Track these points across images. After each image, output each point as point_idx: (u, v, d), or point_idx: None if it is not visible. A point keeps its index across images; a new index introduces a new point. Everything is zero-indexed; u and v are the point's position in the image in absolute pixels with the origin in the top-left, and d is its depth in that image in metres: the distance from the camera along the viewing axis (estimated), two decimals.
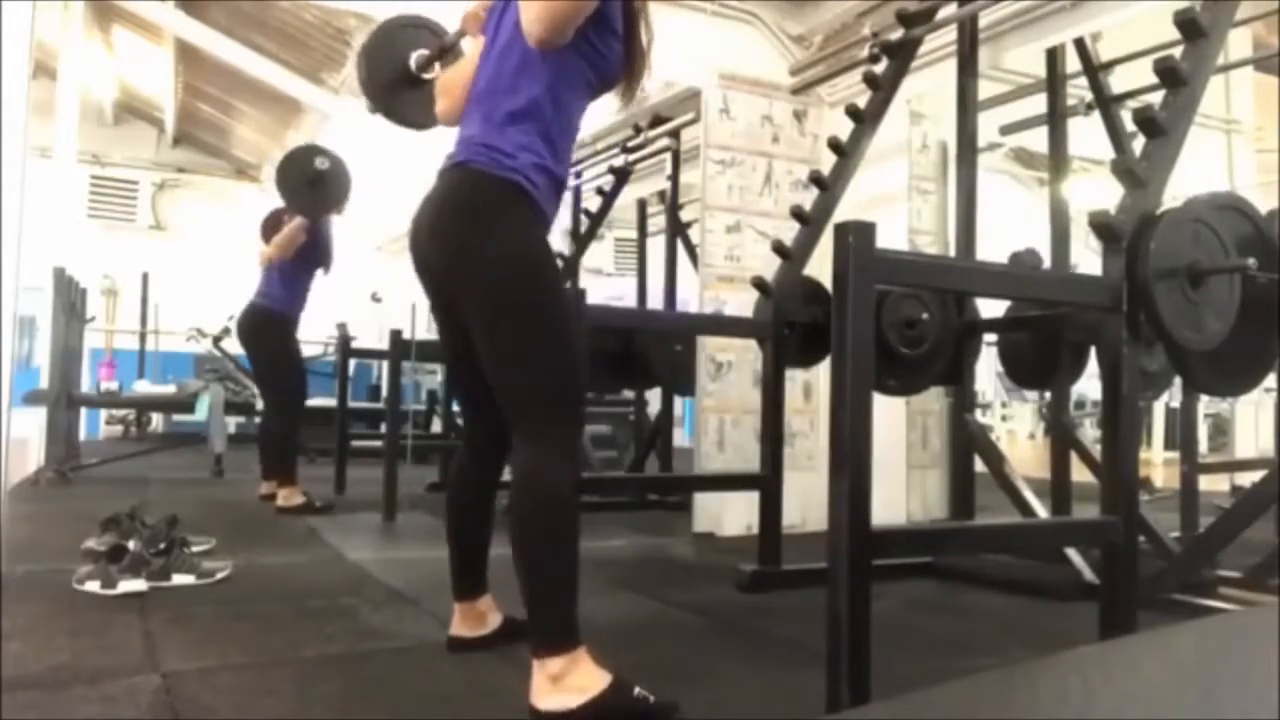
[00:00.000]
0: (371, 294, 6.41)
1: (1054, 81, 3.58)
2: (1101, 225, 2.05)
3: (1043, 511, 2.99)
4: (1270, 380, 2.95)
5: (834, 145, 3.29)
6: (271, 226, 4.61)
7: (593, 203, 5.67)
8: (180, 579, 2.64)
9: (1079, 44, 3.54)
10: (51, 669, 1.88)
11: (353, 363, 5.43)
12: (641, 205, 5.99)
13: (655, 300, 5.53)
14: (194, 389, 6.04)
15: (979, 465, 3.18)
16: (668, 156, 5.17)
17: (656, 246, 5.60)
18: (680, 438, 6.84)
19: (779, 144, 4.26)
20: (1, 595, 2.32)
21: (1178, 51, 2.25)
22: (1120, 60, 3.62)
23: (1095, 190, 4.33)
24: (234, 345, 5.49)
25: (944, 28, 3.42)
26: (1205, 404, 6.02)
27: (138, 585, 2.52)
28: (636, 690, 1.67)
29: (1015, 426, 11.93)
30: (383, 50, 2.35)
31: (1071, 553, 2.87)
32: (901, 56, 3.36)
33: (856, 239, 1.65)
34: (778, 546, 2.94)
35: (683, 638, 2.35)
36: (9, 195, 3.59)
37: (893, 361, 2.98)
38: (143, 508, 3.06)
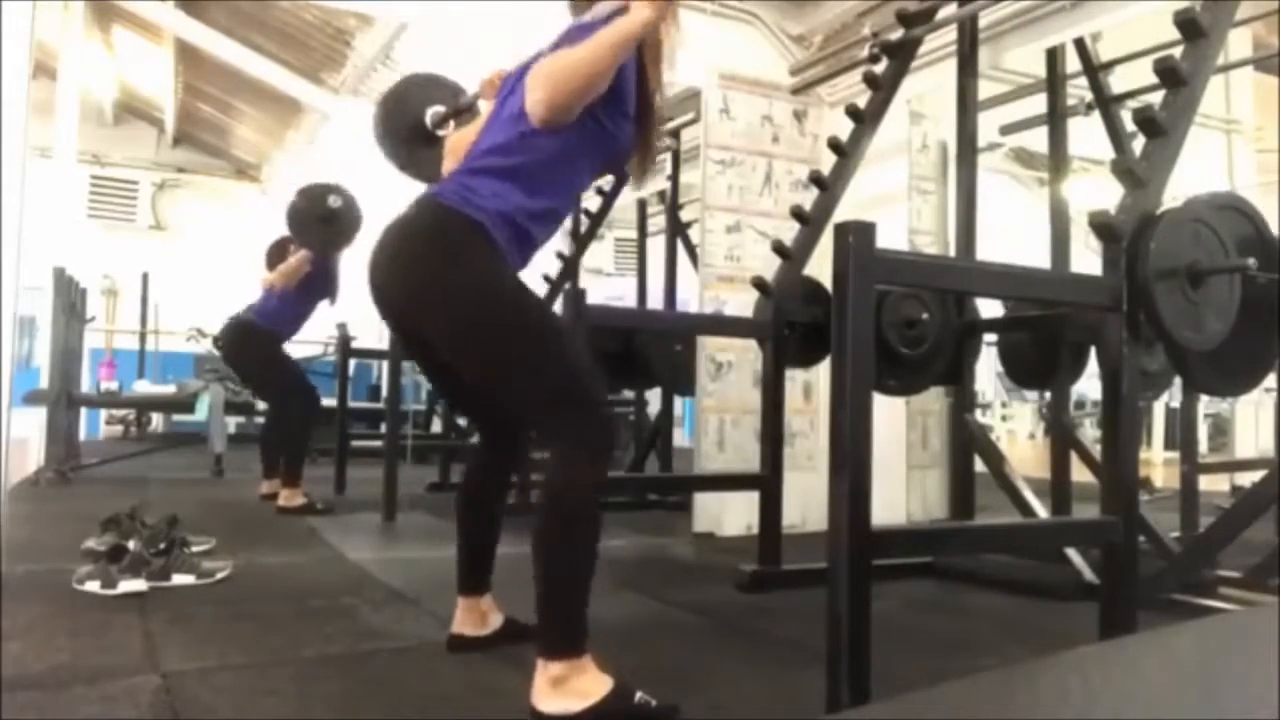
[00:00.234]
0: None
1: (1054, 81, 3.58)
2: (1101, 225, 2.05)
3: (1043, 511, 2.99)
4: (1270, 380, 2.95)
5: (834, 145, 3.29)
6: (277, 254, 4.62)
7: (593, 203, 5.67)
8: (180, 579, 2.64)
9: (1079, 44, 3.54)
10: (51, 669, 1.88)
11: (353, 363, 5.42)
12: (641, 205, 5.99)
13: (655, 300, 5.53)
14: (194, 389, 6.04)
15: (979, 465, 3.18)
16: (668, 156, 5.17)
17: (656, 246, 5.60)
18: (680, 438, 6.84)
19: (779, 144, 4.26)
20: (1, 595, 2.32)
21: (1178, 51, 2.25)
22: (1120, 60, 3.62)
23: (1095, 190, 4.33)
24: None
25: (944, 28, 3.42)
26: (1205, 404, 6.02)
27: (138, 585, 2.52)
28: (638, 695, 1.67)
29: (1015, 426, 11.94)
30: (401, 103, 2.41)
31: (1071, 553, 2.87)
32: (901, 56, 3.36)
33: (856, 239, 1.65)
34: (778, 546, 2.94)
35: (683, 638, 2.35)
36: (9, 195, 3.59)
37: (893, 361, 2.98)
38: (143, 508, 3.06)
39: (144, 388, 7.17)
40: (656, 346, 4.68)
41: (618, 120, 1.80)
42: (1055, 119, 3.57)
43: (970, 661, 2.17)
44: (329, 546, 3.45)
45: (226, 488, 5.20)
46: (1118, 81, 3.61)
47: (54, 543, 3.16)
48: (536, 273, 4.74)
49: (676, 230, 5.31)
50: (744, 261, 4.07)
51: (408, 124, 2.38)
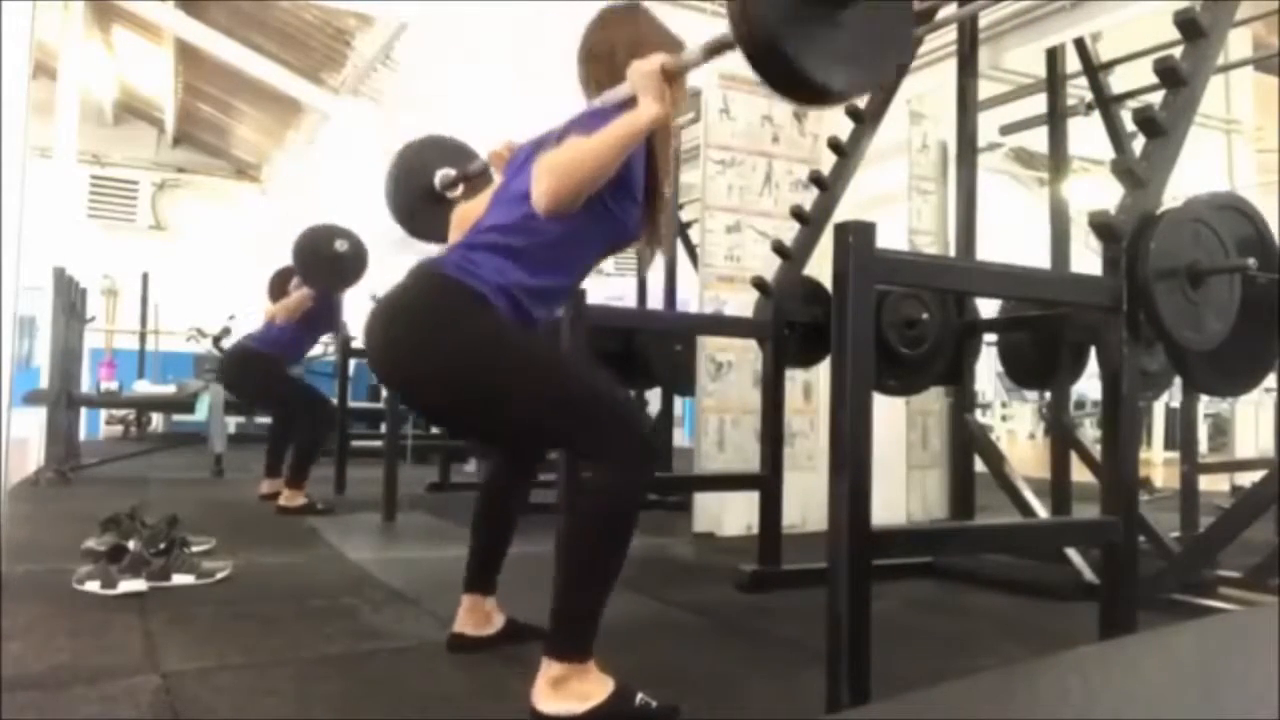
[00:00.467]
0: (371, 294, 6.40)
1: (1054, 81, 3.58)
2: (1101, 225, 2.05)
3: (1043, 511, 2.99)
4: (1270, 380, 2.96)
5: (834, 145, 3.29)
6: (279, 285, 4.68)
7: None
8: (180, 579, 2.64)
9: (1079, 44, 3.54)
10: (51, 669, 1.88)
11: (353, 363, 5.42)
12: None
13: (655, 300, 5.52)
14: (194, 389, 6.04)
15: (979, 465, 3.18)
16: None
17: None
18: (680, 438, 6.84)
19: (779, 144, 4.26)
20: (1, 595, 2.32)
21: (1178, 51, 2.25)
22: (1120, 60, 3.62)
23: (1095, 190, 4.33)
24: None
25: (944, 28, 3.42)
26: (1205, 404, 6.03)
27: (138, 585, 2.52)
28: (639, 697, 1.67)
29: (1015, 426, 11.95)
30: (411, 164, 2.43)
31: (1071, 553, 2.87)
32: None
33: (856, 239, 1.65)
34: (778, 546, 2.94)
35: (683, 638, 2.35)
36: (9, 195, 3.59)
37: (893, 361, 2.98)
38: (143, 508, 3.06)
39: (144, 388, 7.18)
40: (656, 346, 4.68)
41: (625, 205, 1.78)
42: (1055, 119, 3.57)
43: (970, 661, 2.17)
44: (329, 546, 3.45)
45: (226, 488, 5.20)
46: (1118, 81, 3.61)
47: (54, 543, 3.16)
48: None
49: (676, 230, 5.31)
50: (744, 261, 4.07)
51: (418, 186, 2.41)
